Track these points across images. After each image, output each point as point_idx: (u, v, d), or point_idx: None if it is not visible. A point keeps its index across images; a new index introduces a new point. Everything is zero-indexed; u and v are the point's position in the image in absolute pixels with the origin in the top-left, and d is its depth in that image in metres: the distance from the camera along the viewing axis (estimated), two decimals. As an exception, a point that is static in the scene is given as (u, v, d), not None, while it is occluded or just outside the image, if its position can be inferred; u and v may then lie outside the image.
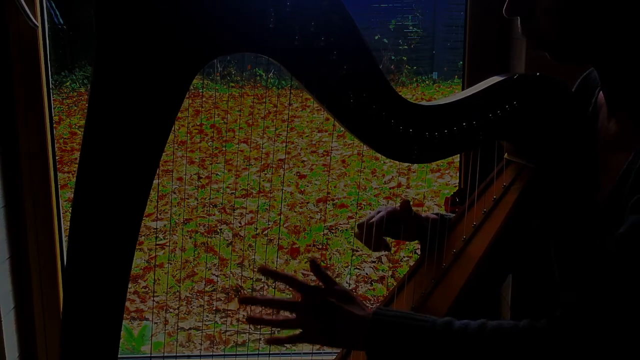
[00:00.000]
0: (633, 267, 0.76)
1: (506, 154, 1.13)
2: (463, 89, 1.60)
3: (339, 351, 1.09)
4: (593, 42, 0.84)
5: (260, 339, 2.55)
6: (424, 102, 1.01)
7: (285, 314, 0.98)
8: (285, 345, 1.02)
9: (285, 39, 0.88)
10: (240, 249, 3.43)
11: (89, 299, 0.89)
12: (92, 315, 0.90)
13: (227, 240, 3.53)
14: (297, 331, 0.95)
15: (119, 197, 0.87)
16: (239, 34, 0.87)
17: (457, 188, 1.53)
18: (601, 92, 0.97)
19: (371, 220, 1.16)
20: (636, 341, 0.78)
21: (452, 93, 1.05)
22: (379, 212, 1.17)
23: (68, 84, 7.33)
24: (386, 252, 3.33)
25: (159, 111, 0.86)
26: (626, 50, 0.84)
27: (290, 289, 0.98)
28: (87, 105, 0.86)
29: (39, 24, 1.47)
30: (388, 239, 1.20)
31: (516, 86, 1.02)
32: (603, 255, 0.80)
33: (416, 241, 1.21)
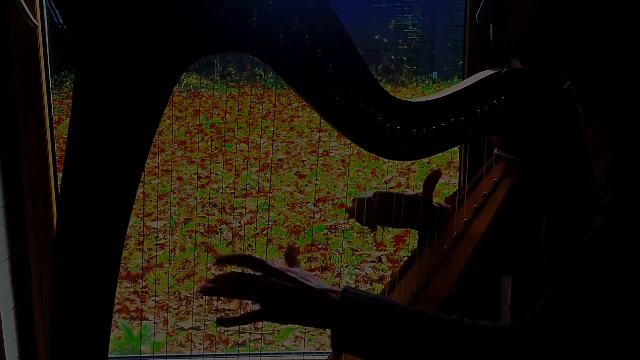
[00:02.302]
0: (599, 273, 0.75)
1: (496, 149, 1.13)
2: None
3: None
4: (562, 52, 0.84)
5: (260, 339, 2.55)
6: (412, 99, 1.01)
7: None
8: (244, 327, 0.95)
9: (269, 39, 0.87)
10: (240, 249, 3.43)
11: (78, 299, 0.89)
12: (81, 314, 0.89)
13: (227, 240, 3.53)
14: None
15: (105, 194, 0.86)
16: (223, 34, 0.86)
17: (457, 188, 1.54)
18: None
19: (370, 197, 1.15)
20: (606, 348, 0.76)
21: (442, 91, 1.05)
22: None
23: (68, 84, 7.32)
24: (385, 252, 3.34)
25: (142, 110, 0.85)
26: (596, 61, 0.84)
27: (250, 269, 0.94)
28: (71, 102, 0.86)
29: (39, 24, 1.47)
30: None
31: (504, 81, 1.02)
32: (573, 260, 0.79)
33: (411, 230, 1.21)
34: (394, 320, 0.85)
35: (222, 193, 4.24)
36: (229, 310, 2.85)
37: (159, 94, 0.85)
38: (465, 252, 1.05)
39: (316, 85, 0.92)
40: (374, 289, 2.95)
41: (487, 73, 1.03)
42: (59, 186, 1.63)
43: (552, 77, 1.02)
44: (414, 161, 1.08)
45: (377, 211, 1.16)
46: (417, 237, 1.20)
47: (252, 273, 0.93)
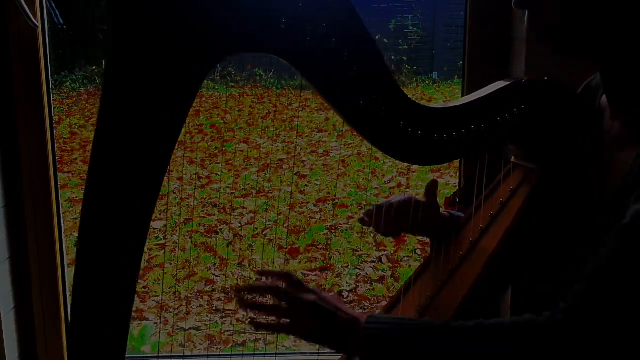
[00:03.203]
0: (638, 256, 0.77)
1: (513, 158, 1.13)
2: (463, 88, 1.61)
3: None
4: (597, 37, 0.85)
5: (260, 339, 2.55)
6: (432, 104, 1.01)
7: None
8: (269, 334, 0.98)
9: (296, 40, 0.88)
10: (240, 249, 3.43)
11: (98, 299, 0.90)
12: (101, 315, 0.90)
13: (227, 240, 3.53)
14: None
15: (128, 199, 0.87)
16: (252, 34, 0.87)
17: (456, 188, 1.54)
18: (603, 95, 0.98)
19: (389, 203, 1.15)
20: None
21: (459, 96, 1.05)
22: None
23: (68, 84, 7.33)
24: (386, 252, 3.34)
25: (169, 110, 0.86)
26: (629, 47, 0.85)
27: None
28: (98, 107, 0.86)
29: (39, 24, 1.47)
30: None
31: (524, 90, 1.02)
32: (608, 246, 0.80)
33: (420, 237, 1.21)
34: (421, 335, 0.87)
35: (222, 193, 4.23)
36: (229, 310, 2.85)
37: (189, 91, 0.86)
38: (481, 258, 1.05)
39: (340, 87, 0.92)
40: (374, 289, 2.95)
41: (506, 82, 1.03)
42: (59, 186, 1.64)
43: (572, 74, 1.02)
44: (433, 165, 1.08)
45: (395, 218, 1.15)
46: (428, 244, 1.20)
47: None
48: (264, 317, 0.96)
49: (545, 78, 1.02)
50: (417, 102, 0.97)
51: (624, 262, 0.78)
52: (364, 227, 1.21)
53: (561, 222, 0.99)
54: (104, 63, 0.86)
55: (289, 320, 0.94)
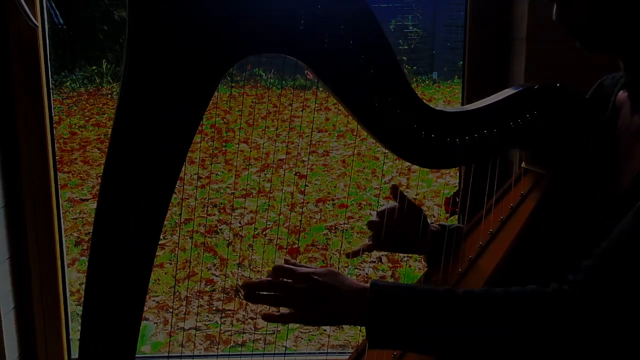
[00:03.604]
0: None
1: (523, 163, 1.13)
2: (463, 88, 1.61)
3: (339, 351, 1.08)
4: (624, 32, 0.86)
5: (260, 339, 2.55)
6: (447, 108, 1.01)
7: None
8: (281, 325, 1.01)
9: (315, 42, 0.88)
10: (240, 249, 3.43)
11: (108, 299, 0.91)
12: (113, 314, 0.91)
13: (227, 240, 3.53)
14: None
15: (144, 191, 0.88)
16: (270, 35, 0.87)
17: (456, 188, 1.54)
18: (620, 92, 0.99)
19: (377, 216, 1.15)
20: None
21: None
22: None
23: (68, 84, 7.33)
24: (386, 252, 3.34)
25: (186, 111, 0.87)
26: None
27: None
28: (115, 105, 0.87)
29: (39, 24, 1.47)
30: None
31: (537, 96, 1.02)
32: (622, 225, 0.80)
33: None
34: (428, 302, 0.86)
35: (222, 193, 4.24)
36: (229, 310, 2.85)
37: (208, 88, 0.87)
38: (490, 262, 1.04)
39: (357, 90, 0.92)
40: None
41: (518, 87, 1.03)
42: (59, 186, 1.64)
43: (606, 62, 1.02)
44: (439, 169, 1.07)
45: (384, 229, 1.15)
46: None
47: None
48: (273, 310, 0.97)
49: (557, 84, 1.02)
50: (431, 106, 0.97)
51: (637, 239, 0.78)
52: (369, 230, 1.20)
53: (569, 227, 0.99)
54: (117, 63, 0.87)
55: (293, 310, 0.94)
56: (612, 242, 0.81)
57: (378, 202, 3.97)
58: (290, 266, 0.96)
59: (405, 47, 8.29)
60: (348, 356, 1.16)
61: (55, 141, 1.63)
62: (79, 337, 0.93)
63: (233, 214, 3.87)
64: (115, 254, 0.89)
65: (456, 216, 1.51)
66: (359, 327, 0.94)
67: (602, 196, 0.96)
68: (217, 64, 0.86)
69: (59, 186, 1.64)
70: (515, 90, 1.03)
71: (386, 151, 0.99)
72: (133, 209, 0.88)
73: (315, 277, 0.93)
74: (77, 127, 5.85)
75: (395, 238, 1.17)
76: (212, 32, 0.84)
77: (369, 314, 0.87)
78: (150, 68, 0.84)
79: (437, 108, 0.98)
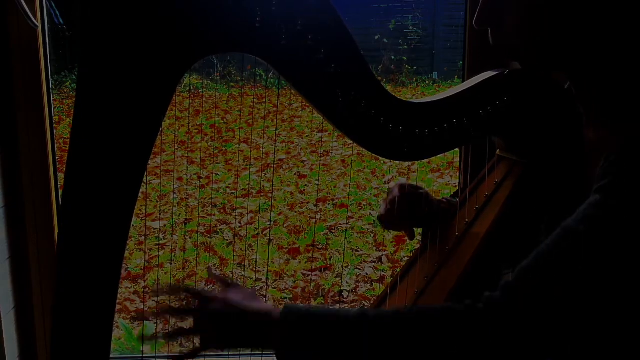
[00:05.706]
0: (572, 252, 0.74)
1: (498, 150, 1.13)
2: (463, 89, 1.61)
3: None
4: (559, 54, 0.85)
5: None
6: (413, 100, 1.01)
7: None
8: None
9: (272, 39, 0.88)
10: (240, 249, 3.43)
11: (80, 299, 0.90)
12: (83, 314, 0.90)
13: (227, 240, 3.53)
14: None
15: (107, 194, 0.87)
16: (226, 34, 0.86)
17: (457, 188, 1.54)
18: None
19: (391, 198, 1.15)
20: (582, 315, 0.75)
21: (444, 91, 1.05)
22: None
23: (68, 84, 7.33)
24: (386, 252, 3.34)
25: (145, 110, 0.86)
26: (594, 63, 0.84)
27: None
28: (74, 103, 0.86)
29: (39, 24, 1.47)
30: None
31: (506, 82, 1.02)
32: (541, 248, 0.78)
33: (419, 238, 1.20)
34: (339, 324, 0.83)
35: (222, 193, 4.24)
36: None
37: (162, 94, 0.86)
38: (467, 251, 1.05)
39: (318, 85, 0.92)
40: (374, 289, 2.95)
41: (489, 74, 1.03)
42: (60, 186, 1.64)
43: (554, 77, 1.02)
44: (414, 161, 1.08)
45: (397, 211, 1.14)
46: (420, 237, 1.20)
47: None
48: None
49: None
50: (398, 98, 0.97)
51: (554, 266, 0.75)
52: (378, 221, 1.21)
53: (544, 215, 0.97)
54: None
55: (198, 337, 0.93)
56: (531, 262, 0.77)
57: (378, 202, 3.97)
58: (199, 290, 0.96)
59: (405, 47, 8.30)
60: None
61: (55, 141, 1.63)
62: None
63: (233, 214, 3.87)
64: (82, 257, 0.88)
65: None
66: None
67: (572, 189, 0.93)
68: (175, 65, 0.85)
69: (59, 186, 1.64)
70: (484, 78, 1.03)
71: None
72: (96, 212, 0.87)
73: (227, 299, 0.92)
74: (77, 127, 5.84)
75: (403, 214, 1.16)
76: (167, 32, 0.84)
77: (280, 334, 0.85)
78: (105, 69, 0.84)
79: (404, 100, 0.98)
